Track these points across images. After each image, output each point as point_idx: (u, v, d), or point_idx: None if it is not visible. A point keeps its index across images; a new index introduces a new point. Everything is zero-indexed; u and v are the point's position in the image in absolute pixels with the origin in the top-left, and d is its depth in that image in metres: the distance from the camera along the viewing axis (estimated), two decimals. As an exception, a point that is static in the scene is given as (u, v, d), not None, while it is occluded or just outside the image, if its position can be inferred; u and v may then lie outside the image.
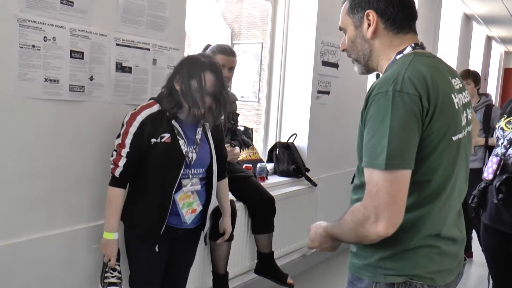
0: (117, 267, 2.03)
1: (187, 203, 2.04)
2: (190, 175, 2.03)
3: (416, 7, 1.41)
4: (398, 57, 1.33)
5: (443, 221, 1.30)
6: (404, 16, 1.34)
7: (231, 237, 2.68)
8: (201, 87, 1.90)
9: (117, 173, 1.97)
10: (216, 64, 2.00)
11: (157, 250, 2.03)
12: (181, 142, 1.99)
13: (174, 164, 1.98)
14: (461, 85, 1.38)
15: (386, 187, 1.15)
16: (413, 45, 1.33)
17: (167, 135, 1.96)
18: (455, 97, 1.30)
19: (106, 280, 2.01)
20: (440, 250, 1.29)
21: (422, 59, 1.29)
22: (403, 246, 1.26)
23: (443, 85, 1.26)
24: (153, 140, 1.95)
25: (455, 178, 1.30)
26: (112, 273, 2.02)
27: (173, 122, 1.99)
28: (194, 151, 2.02)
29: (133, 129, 1.94)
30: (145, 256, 2.04)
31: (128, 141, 1.94)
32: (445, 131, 1.23)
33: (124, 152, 1.95)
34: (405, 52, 1.32)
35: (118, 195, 1.99)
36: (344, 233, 1.31)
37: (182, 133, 2.00)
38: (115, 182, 1.99)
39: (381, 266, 1.28)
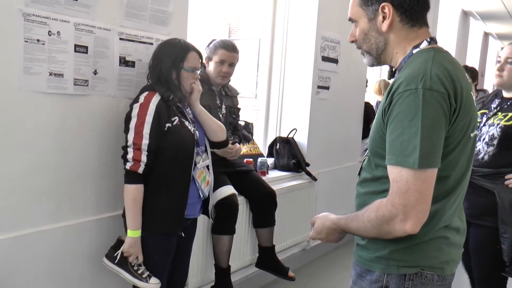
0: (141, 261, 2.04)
1: (203, 177, 2.11)
2: (200, 152, 2.09)
3: None
4: (415, 51, 1.32)
5: (454, 213, 1.33)
6: (419, 8, 1.32)
7: (233, 231, 2.71)
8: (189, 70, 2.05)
9: (140, 170, 1.92)
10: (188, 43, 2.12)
11: (183, 235, 2.08)
12: (186, 123, 2.06)
13: (189, 144, 2.03)
14: (470, 81, 1.39)
15: (417, 185, 1.16)
16: (428, 39, 1.32)
17: (176, 118, 2.01)
18: (472, 94, 1.30)
19: (144, 275, 2.00)
20: (449, 241, 1.32)
21: (442, 55, 1.29)
22: (419, 239, 1.26)
23: (465, 83, 1.26)
24: (168, 125, 1.96)
25: (467, 174, 1.33)
26: (141, 268, 2.01)
27: (176, 105, 2.05)
28: (195, 128, 2.10)
29: (149, 118, 1.92)
30: (162, 249, 2.06)
31: (146, 131, 1.91)
32: (466, 128, 1.25)
33: (145, 145, 1.91)
34: (421, 46, 1.31)
35: (142, 192, 1.96)
36: (363, 228, 1.29)
37: (186, 115, 2.08)
38: (137, 179, 1.94)
39: (394, 258, 1.29)
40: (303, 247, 3.85)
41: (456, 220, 1.35)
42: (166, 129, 1.95)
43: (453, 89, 1.20)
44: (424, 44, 1.31)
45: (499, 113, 2.28)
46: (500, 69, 2.31)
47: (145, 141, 1.91)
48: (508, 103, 2.30)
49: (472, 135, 1.29)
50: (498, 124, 2.23)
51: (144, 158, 1.92)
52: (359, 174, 1.45)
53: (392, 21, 1.31)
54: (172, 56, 2.03)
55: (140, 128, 1.91)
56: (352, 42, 1.46)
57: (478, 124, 1.35)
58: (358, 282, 1.39)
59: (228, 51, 2.68)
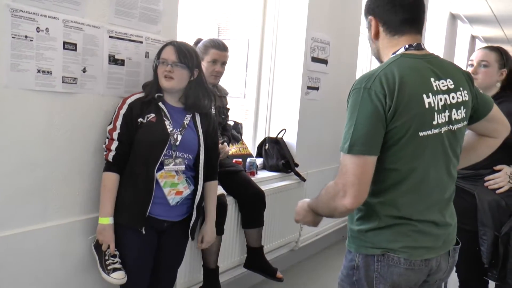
0: (116, 252, 2.03)
1: (170, 182, 2.07)
2: (174, 156, 2.06)
3: None
4: (391, 56, 1.49)
5: (412, 206, 1.45)
6: (398, 19, 1.48)
7: (221, 231, 2.69)
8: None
9: (110, 157, 2.03)
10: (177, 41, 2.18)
11: (143, 232, 2.04)
12: (167, 122, 2.07)
13: (158, 142, 2.04)
14: (452, 86, 1.48)
15: (352, 168, 1.36)
16: (406, 46, 1.48)
17: (152, 115, 2.06)
18: (429, 97, 1.41)
19: (109, 267, 2.00)
20: (416, 228, 1.45)
21: (405, 61, 1.44)
22: (377, 224, 1.45)
23: (415, 86, 1.40)
24: (140, 119, 2.04)
25: (425, 170, 1.44)
26: (113, 260, 2.02)
27: (160, 104, 2.09)
28: (179, 133, 2.09)
29: (122, 111, 2.04)
30: (131, 243, 2.05)
31: (118, 123, 2.03)
32: (408, 126, 1.38)
33: (116, 134, 2.03)
34: (398, 52, 1.48)
35: (112, 179, 2.04)
36: (320, 206, 1.53)
37: (168, 115, 2.08)
38: (109, 167, 2.04)
39: (362, 239, 1.48)
40: (292, 248, 3.85)
41: (428, 214, 1.47)
42: (138, 124, 2.04)
43: (392, 90, 1.36)
44: (401, 51, 1.48)
45: None
46: (474, 72, 2.36)
47: (117, 131, 2.03)
48: None
49: (421, 134, 1.40)
50: None
51: (113, 146, 2.03)
52: None
53: (377, 31, 1.53)
54: (158, 51, 2.15)
55: (116, 120, 2.04)
56: None
57: (443, 125, 1.44)
58: (344, 262, 1.56)
59: (219, 50, 2.67)
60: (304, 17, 3.65)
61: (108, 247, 2.02)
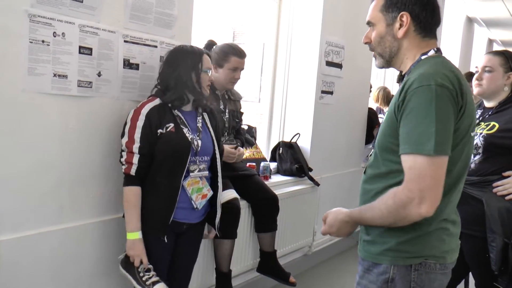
0: (150, 266, 2.01)
1: (197, 188, 2.09)
2: (198, 162, 2.08)
3: None
4: (423, 57, 1.44)
5: (454, 206, 1.46)
6: (433, 22, 1.46)
7: (234, 235, 2.70)
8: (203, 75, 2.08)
9: (133, 171, 1.98)
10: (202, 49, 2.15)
11: (166, 241, 2.04)
12: (185, 130, 2.05)
13: (181, 152, 2.02)
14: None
15: (432, 171, 1.26)
16: (435, 49, 1.46)
17: (171, 125, 2.02)
18: (473, 99, 1.43)
19: (148, 282, 1.97)
20: (449, 232, 1.43)
21: (448, 62, 1.43)
22: (422, 231, 1.37)
23: (467, 86, 1.38)
24: (160, 130, 2.00)
25: (462, 170, 1.43)
26: (149, 274, 1.99)
27: (175, 112, 2.06)
28: (198, 138, 2.09)
29: (140, 123, 1.98)
30: (151, 248, 2.04)
31: (137, 135, 1.97)
32: (468, 127, 1.37)
33: (136, 148, 1.97)
34: (429, 54, 1.44)
35: (136, 193, 2.00)
36: (379, 216, 1.37)
37: (185, 122, 2.07)
38: (131, 181, 2.00)
39: (400, 249, 1.39)
40: (305, 252, 3.83)
41: (454, 213, 1.47)
42: (158, 135, 1.99)
43: (459, 88, 1.32)
44: (432, 52, 1.45)
45: (482, 123, 2.31)
46: (479, 78, 2.36)
47: (137, 144, 1.97)
48: (489, 113, 2.33)
49: (472, 134, 1.42)
50: (481, 134, 2.26)
51: (135, 160, 1.98)
52: (365, 172, 1.54)
53: (408, 29, 1.44)
54: (189, 60, 2.06)
55: (132, 132, 1.98)
56: (366, 43, 1.58)
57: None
58: (365, 276, 1.47)
59: (241, 58, 2.71)
60: (319, 21, 3.64)
61: (141, 262, 1.99)
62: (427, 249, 1.39)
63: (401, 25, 1.44)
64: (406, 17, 1.43)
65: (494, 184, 2.21)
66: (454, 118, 1.30)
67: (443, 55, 1.47)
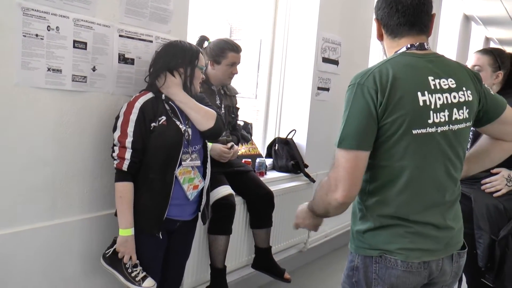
0: (137, 261, 2.01)
1: (188, 178, 2.07)
2: (190, 152, 2.07)
3: None
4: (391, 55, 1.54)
5: (408, 206, 1.44)
6: (394, 24, 1.52)
7: (229, 231, 2.69)
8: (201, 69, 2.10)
9: (125, 167, 1.95)
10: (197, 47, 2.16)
11: (161, 237, 2.03)
12: (177, 122, 2.03)
13: (174, 144, 2.01)
14: (453, 85, 1.46)
15: (343, 163, 1.39)
16: (408, 46, 1.50)
17: (163, 118, 2.00)
18: (425, 95, 1.40)
19: (137, 278, 1.97)
20: (412, 230, 1.44)
21: (402, 58, 1.47)
22: (374, 224, 1.46)
23: (409, 84, 1.40)
24: (153, 124, 1.98)
25: (418, 168, 1.43)
26: (136, 269, 1.99)
27: (167, 104, 2.04)
28: (188, 126, 2.06)
29: (133, 116, 1.95)
30: (145, 246, 2.04)
31: (130, 129, 1.94)
32: (400, 123, 1.39)
33: (129, 142, 1.94)
34: (399, 52, 1.51)
35: (129, 189, 1.98)
36: (316, 203, 1.55)
37: (178, 114, 2.05)
38: (124, 176, 1.97)
39: (361, 239, 1.50)
40: (300, 249, 3.83)
41: (427, 216, 1.46)
42: (151, 128, 1.97)
43: (385, 86, 1.38)
44: (402, 50, 1.51)
45: None
46: None
47: (129, 139, 1.94)
48: None
49: (415, 132, 1.40)
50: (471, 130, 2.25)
51: (128, 155, 1.94)
52: None
53: (381, 33, 1.58)
54: (185, 55, 2.05)
55: (125, 126, 1.95)
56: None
57: (439, 124, 1.43)
58: (346, 263, 1.58)
59: (237, 53, 2.71)
60: (315, 17, 3.64)
61: (130, 258, 1.99)
62: (383, 243, 1.45)
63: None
64: (377, 22, 1.58)
65: (483, 181, 2.22)
66: (373, 114, 1.37)
67: (414, 50, 1.49)
